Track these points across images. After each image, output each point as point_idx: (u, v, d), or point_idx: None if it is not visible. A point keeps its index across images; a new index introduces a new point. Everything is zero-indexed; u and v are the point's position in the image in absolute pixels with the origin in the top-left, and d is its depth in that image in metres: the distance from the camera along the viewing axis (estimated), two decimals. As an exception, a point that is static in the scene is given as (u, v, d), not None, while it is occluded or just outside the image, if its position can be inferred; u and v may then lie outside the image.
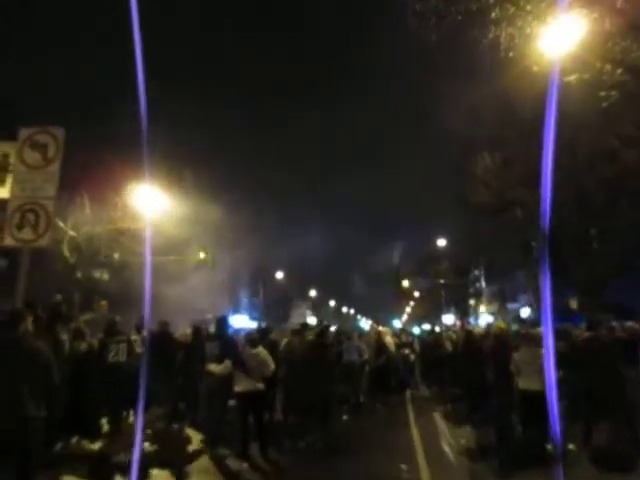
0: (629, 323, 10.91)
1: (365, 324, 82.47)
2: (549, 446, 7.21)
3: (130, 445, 6.24)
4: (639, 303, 20.14)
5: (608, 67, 9.59)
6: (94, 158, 20.25)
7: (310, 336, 9.87)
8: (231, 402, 8.45)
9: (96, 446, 8.08)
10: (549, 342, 4.64)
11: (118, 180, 21.51)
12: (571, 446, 7.06)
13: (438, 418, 10.42)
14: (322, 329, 10.27)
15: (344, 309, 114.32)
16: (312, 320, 58.62)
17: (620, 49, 9.36)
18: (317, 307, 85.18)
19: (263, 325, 28.53)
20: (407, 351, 14.68)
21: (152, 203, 20.49)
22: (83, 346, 8.50)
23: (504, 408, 7.80)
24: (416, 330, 35.63)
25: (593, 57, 9.44)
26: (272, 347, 9.09)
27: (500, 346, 8.34)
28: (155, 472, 6.81)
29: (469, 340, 10.75)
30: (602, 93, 10.31)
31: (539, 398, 7.07)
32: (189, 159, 34.64)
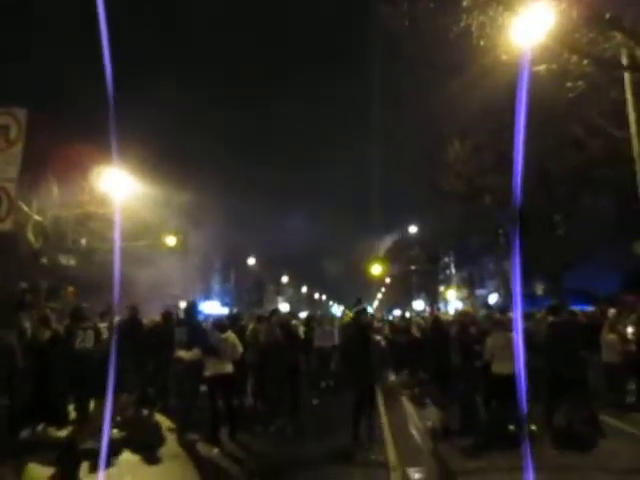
0: (590, 309, 11.29)
1: (337, 310, 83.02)
2: (512, 427, 7.48)
3: (98, 432, 6.18)
4: (602, 289, 20.85)
5: (575, 58, 9.78)
6: (61, 140, 19.73)
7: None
8: (202, 388, 8.46)
9: (63, 433, 7.98)
10: (519, 326, 4.78)
11: (86, 162, 20.98)
12: (533, 427, 7.30)
13: (406, 402, 10.62)
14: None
15: (316, 295, 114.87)
16: (284, 306, 58.75)
17: (587, 41, 9.55)
18: (289, 293, 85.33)
19: (234, 311, 28.46)
20: (378, 337, 14.84)
21: (121, 186, 20.08)
22: (47, 334, 8.34)
23: (469, 391, 8.00)
24: (390, 317, 36.07)
25: (561, 48, 9.61)
26: (240, 332, 9.12)
27: (464, 331, 8.53)
28: (124, 459, 6.77)
29: (436, 325, 10.96)
30: (569, 84, 10.53)
31: (510, 381, 7.33)
32: (160, 142, 34.08)
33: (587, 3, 9.33)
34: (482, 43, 9.85)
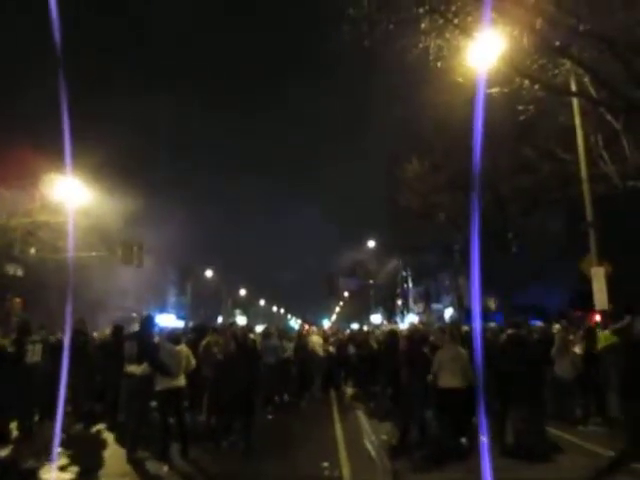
0: (538, 323, 11.63)
1: (295, 324, 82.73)
2: (463, 440, 7.59)
3: (41, 451, 5.93)
4: (551, 305, 21.60)
5: (526, 83, 10.22)
6: (10, 146, 19.06)
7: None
8: (152, 403, 8.22)
9: (3, 452, 7.59)
10: (478, 341, 4.85)
11: (37, 170, 20.32)
12: (484, 439, 7.41)
13: (361, 415, 10.63)
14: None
15: (274, 308, 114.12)
16: (241, 320, 57.99)
17: (537, 67, 10.00)
18: (247, 306, 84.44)
19: (190, 324, 27.84)
20: (331, 348, 14.89)
21: (74, 196, 19.51)
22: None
23: (417, 405, 8.09)
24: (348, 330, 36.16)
25: (513, 73, 10.02)
26: (193, 346, 8.94)
27: (414, 346, 8.64)
28: (69, 478, 6.49)
29: (391, 339, 11.04)
30: (520, 107, 10.98)
31: (459, 395, 7.43)
32: (116, 153, 33.33)
33: (538, 31, 9.78)
34: (439, 65, 10.18)
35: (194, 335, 10.33)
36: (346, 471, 6.62)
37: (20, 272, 28.91)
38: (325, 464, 6.87)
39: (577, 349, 10.19)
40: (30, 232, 23.78)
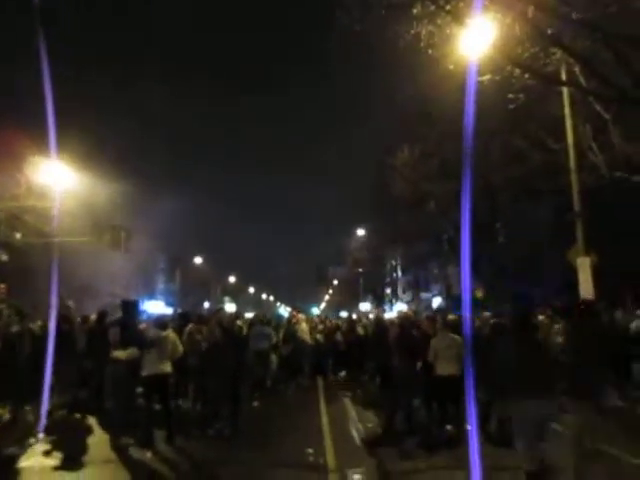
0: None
1: (284, 311, 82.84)
2: (449, 427, 7.63)
3: (24, 437, 5.87)
4: (537, 294, 21.75)
5: (517, 71, 10.16)
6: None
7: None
8: (138, 389, 8.18)
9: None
10: (468, 329, 4.84)
11: (22, 154, 19.97)
12: (469, 427, 7.46)
13: (348, 403, 10.67)
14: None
15: (264, 296, 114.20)
16: (230, 307, 57.96)
17: (529, 55, 9.93)
18: (236, 293, 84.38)
19: (179, 311, 27.77)
20: (318, 336, 14.93)
21: (61, 180, 19.21)
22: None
23: (406, 392, 8.11)
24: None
25: (504, 61, 9.95)
26: (179, 333, 8.88)
27: (404, 333, 8.64)
28: (52, 464, 6.44)
29: (379, 327, 11.05)
30: (510, 95, 10.94)
31: (453, 382, 7.42)
32: (104, 136, 32.87)
33: (531, 19, 9.70)
34: (430, 52, 10.10)
35: (179, 322, 10.25)
36: (331, 458, 6.64)
37: (5, 257, 28.55)
38: (310, 451, 6.89)
39: (560, 339, 10.26)
40: (16, 216, 23.45)
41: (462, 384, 5.14)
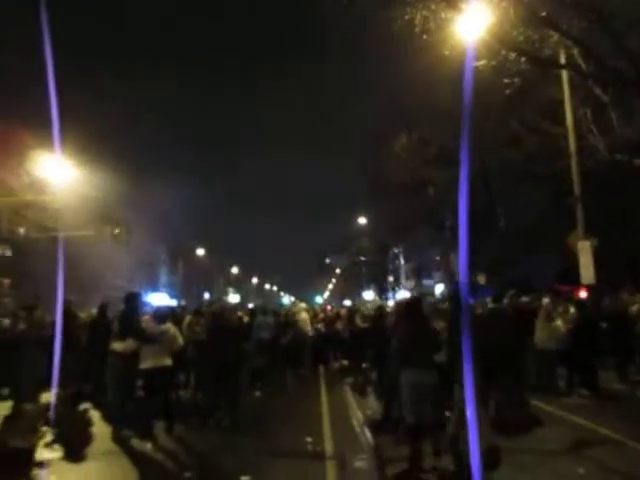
0: (524, 299, 11.71)
1: (288, 301, 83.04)
2: (448, 414, 7.66)
3: (28, 429, 5.92)
4: (538, 279, 21.76)
5: (512, 55, 10.07)
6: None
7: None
8: (139, 382, 8.24)
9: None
10: (465, 315, 4.84)
11: (24, 148, 19.96)
12: (468, 413, 7.49)
13: (348, 391, 10.74)
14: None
15: (267, 286, 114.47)
16: (234, 297, 58.13)
17: (524, 39, 9.84)
18: (239, 284, 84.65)
19: (182, 303, 27.84)
20: (319, 325, 14.99)
21: (62, 174, 19.22)
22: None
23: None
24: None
25: (500, 45, 9.87)
26: (178, 324, 8.93)
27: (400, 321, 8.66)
28: (55, 456, 6.52)
29: (379, 315, 11.07)
30: (506, 80, 10.87)
31: (445, 368, 7.46)
32: (105, 129, 32.81)
33: (527, 3, 9.61)
34: (425, 37, 10.01)
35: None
36: (329, 446, 6.70)
37: (9, 252, 28.68)
38: (309, 439, 6.94)
39: (560, 322, 10.29)
40: (18, 212, 23.51)
41: (450, 370, 5.25)
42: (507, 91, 11.25)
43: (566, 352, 9.90)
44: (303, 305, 17.53)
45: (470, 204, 4.50)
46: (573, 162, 13.72)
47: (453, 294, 7.30)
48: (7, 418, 8.28)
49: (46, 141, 17.60)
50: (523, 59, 10.12)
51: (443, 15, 9.93)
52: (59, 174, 19.04)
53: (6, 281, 24.89)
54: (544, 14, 9.38)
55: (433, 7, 9.59)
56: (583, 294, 13.56)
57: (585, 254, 13.33)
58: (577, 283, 13.89)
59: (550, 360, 9.91)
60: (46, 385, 7.95)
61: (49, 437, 7.22)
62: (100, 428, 7.88)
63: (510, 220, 25.59)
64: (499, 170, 21.26)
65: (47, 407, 8.19)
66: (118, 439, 7.09)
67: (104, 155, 23.62)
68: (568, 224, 14.37)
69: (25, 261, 26.40)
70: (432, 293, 35.44)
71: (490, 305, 9.66)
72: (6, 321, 10.41)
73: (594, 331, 10.24)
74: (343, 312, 17.22)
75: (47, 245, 22.32)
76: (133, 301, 8.36)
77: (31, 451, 6.69)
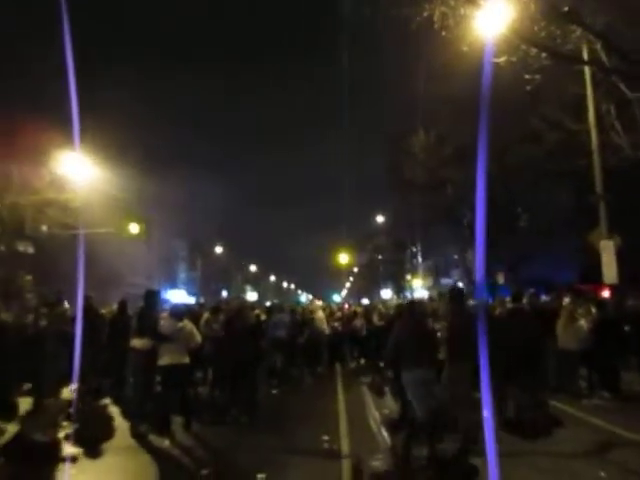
0: (544, 298, 11.53)
1: (305, 299, 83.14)
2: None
3: (49, 424, 6.02)
4: (558, 278, 21.45)
5: (534, 51, 9.88)
6: (18, 123, 18.98)
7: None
8: (157, 378, 8.32)
9: (11, 425, 7.75)
10: (482, 315, 4.81)
11: (46, 147, 20.25)
12: (486, 413, 7.41)
13: (365, 390, 10.71)
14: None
15: (284, 284, 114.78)
16: (252, 295, 58.40)
17: (545, 34, 9.64)
18: (257, 282, 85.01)
19: (201, 300, 28.05)
20: (336, 324, 14.97)
21: (83, 173, 19.52)
22: None
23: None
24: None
25: (520, 40, 9.68)
26: (195, 322, 8.98)
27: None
28: (74, 451, 6.61)
29: (398, 314, 11.01)
30: (527, 76, 10.68)
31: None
32: (125, 127, 33.15)
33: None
34: (444, 34, 9.87)
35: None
36: (345, 444, 6.69)
37: (31, 249, 29.20)
38: (325, 437, 6.93)
39: (583, 322, 10.11)
40: (40, 210, 23.88)
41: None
42: (528, 87, 11.07)
43: (587, 352, 9.73)
44: (319, 303, 17.49)
45: (489, 201, 4.43)
46: (595, 159, 13.45)
47: (453, 294, 7.23)
48: (29, 413, 8.44)
49: (67, 139, 17.90)
50: (544, 55, 9.93)
51: (462, 11, 9.77)
52: (80, 172, 19.35)
53: (28, 278, 25.31)
54: (566, 8, 9.19)
55: (452, 3, 9.46)
56: (605, 293, 13.32)
57: (608, 253, 13.07)
58: (599, 282, 13.64)
59: (572, 361, 9.75)
60: (67, 380, 8.06)
61: (68, 431, 7.33)
62: (119, 423, 7.99)
63: (530, 218, 25.26)
64: (520, 167, 20.94)
65: (68, 402, 8.34)
66: (137, 435, 7.17)
67: (124, 152, 23.83)
68: (590, 222, 14.11)
69: (47, 258, 26.84)
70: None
71: (509, 305, 9.54)
72: (29, 317, 10.58)
73: (616, 331, 10.05)
74: (360, 310, 17.17)
75: (68, 242, 22.70)
76: (151, 298, 8.44)
77: (52, 446, 6.81)
